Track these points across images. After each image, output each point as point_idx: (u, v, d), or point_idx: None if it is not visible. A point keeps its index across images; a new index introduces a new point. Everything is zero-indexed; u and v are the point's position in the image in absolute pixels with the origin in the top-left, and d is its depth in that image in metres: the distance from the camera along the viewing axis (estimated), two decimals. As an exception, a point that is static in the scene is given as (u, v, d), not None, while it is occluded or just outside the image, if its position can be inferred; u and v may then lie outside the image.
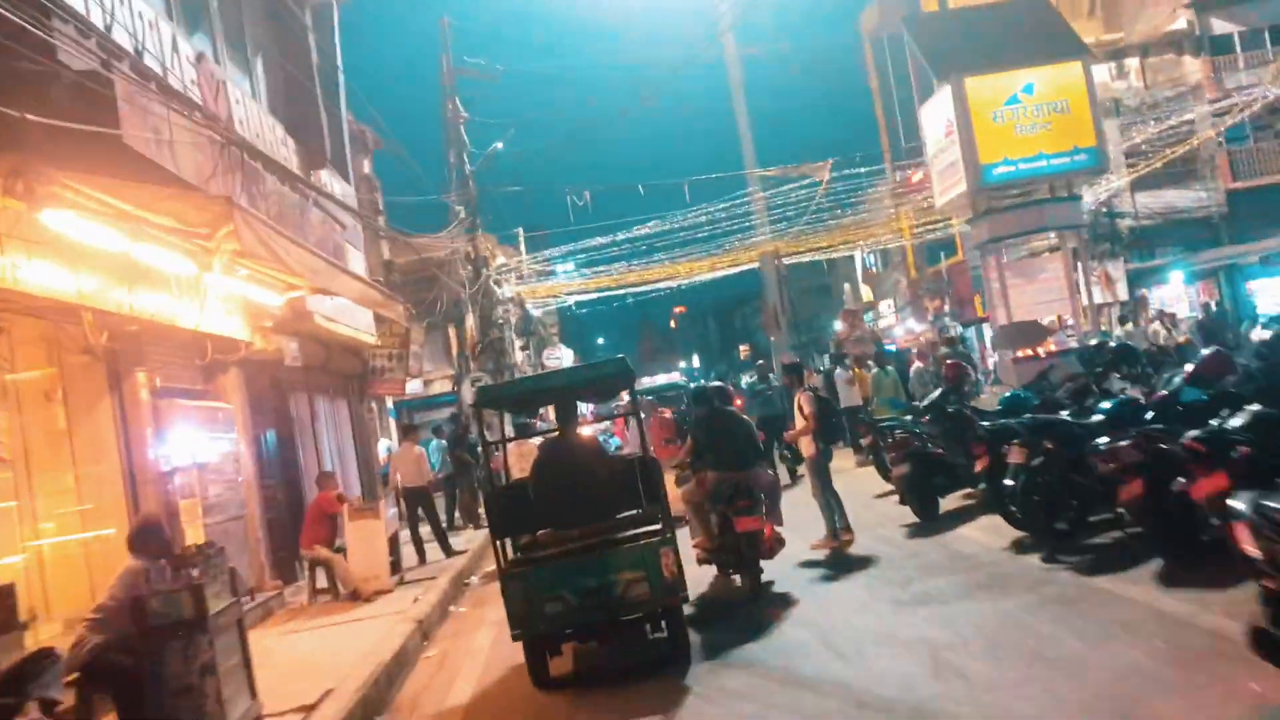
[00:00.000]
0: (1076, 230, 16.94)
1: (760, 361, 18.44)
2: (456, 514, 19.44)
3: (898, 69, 47.43)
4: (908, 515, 12.15)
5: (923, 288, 45.71)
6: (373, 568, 12.53)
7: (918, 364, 17.22)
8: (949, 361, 13.09)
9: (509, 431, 13.98)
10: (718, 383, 13.77)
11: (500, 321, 34.29)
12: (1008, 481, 9.17)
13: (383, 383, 19.76)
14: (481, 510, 20.16)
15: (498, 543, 8.09)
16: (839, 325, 31.46)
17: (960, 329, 35.08)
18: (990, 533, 10.41)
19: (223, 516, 11.34)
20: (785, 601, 9.21)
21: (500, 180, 24.73)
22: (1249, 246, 33.88)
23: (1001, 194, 16.13)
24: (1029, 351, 15.78)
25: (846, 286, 33.38)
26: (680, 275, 30.15)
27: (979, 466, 10.04)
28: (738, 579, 9.85)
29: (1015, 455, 9.09)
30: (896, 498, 14.09)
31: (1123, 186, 34.30)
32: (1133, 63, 36.19)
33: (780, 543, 10.00)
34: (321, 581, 12.76)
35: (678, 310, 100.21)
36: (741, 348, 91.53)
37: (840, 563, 10.54)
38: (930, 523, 11.77)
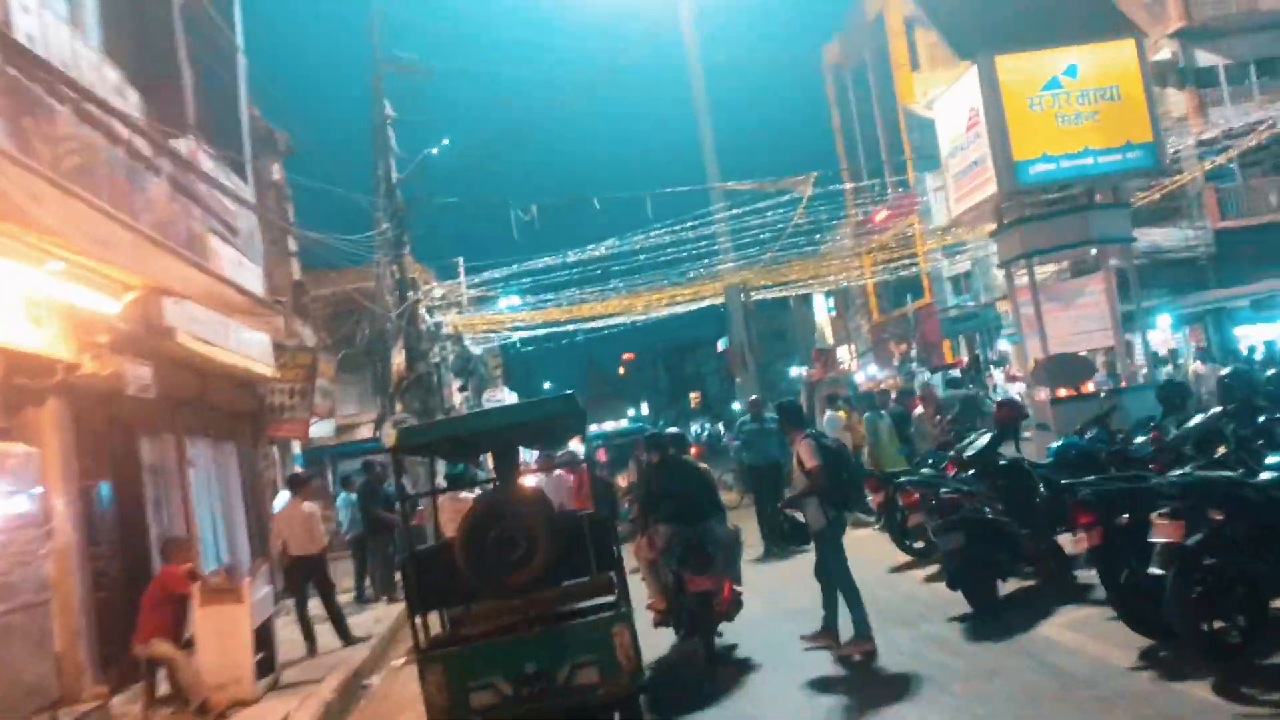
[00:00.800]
0: (1126, 245, 14.10)
1: (755, 396, 15.36)
2: (368, 584, 16.11)
3: (860, 103, 45.54)
4: (953, 602, 9.11)
5: (887, 331, 43.29)
6: (230, 669, 9.24)
7: (920, 409, 14.37)
8: (999, 401, 10.10)
9: (439, 482, 12.82)
10: (673, 429, 12.65)
11: (436, 360, 30.94)
12: (1154, 570, 6.15)
13: (283, 423, 16.43)
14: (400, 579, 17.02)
15: (416, 619, 6.95)
16: (807, 368, 28.58)
17: (928, 374, 32.50)
18: (1091, 636, 7.43)
19: (5, 606, 7.99)
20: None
21: (434, 192, 21.65)
22: (1238, 290, 31.87)
23: (1035, 198, 13.34)
24: (1071, 390, 12.94)
25: (819, 321, 30.62)
26: (635, 308, 27.15)
27: (1086, 542, 7.02)
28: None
29: (1166, 531, 6.09)
30: (922, 573, 11.18)
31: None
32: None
33: (738, 605, 9.25)
34: (164, 687, 9.44)
35: (626, 357, 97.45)
36: (692, 394, 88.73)
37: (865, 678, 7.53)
38: (990, 616, 8.74)
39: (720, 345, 75.79)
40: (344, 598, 16.29)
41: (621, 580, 7.13)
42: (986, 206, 13.61)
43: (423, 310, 20.09)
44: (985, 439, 10.02)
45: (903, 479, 11.48)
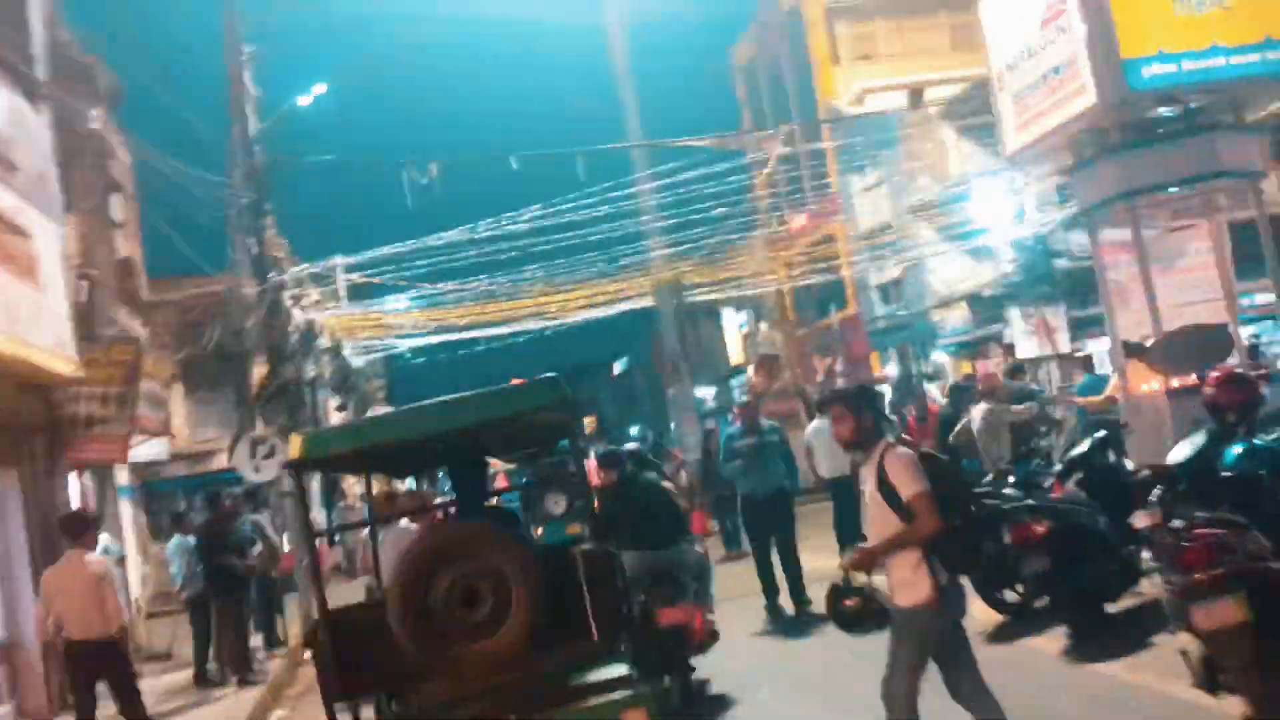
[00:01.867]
0: (1254, 180, 10.52)
1: (747, 399, 11.61)
2: (211, 663, 11.80)
3: (776, 103, 42.50)
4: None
5: (810, 344, 40.09)
6: None
7: (984, 404, 10.72)
8: (1225, 376, 6.43)
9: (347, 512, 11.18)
10: (631, 444, 11.15)
11: (313, 375, 26.45)
12: None
13: (92, 441, 11.99)
14: (262, 651, 12.69)
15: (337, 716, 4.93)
16: (751, 376, 24.95)
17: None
18: None
19: None
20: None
21: (306, 152, 17.32)
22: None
23: (1138, 118, 9.86)
24: (1192, 378, 9.43)
25: (763, 327, 27.17)
26: (550, 309, 23.11)
27: None
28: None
29: None
30: (1048, 644, 7.66)
31: (1054, 223, 29.54)
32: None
33: (714, 635, 8.36)
34: None
35: (515, 382, 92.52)
36: (586, 420, 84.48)
37: None
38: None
39: (617, 368, 71.91)
40: (178, 677, 11.97)
41: (637, 642, 5.41)
42: (1073, 128, 10.04)
43: (289, 301, 15.74)
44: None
45: (1005, 504, 7.97)
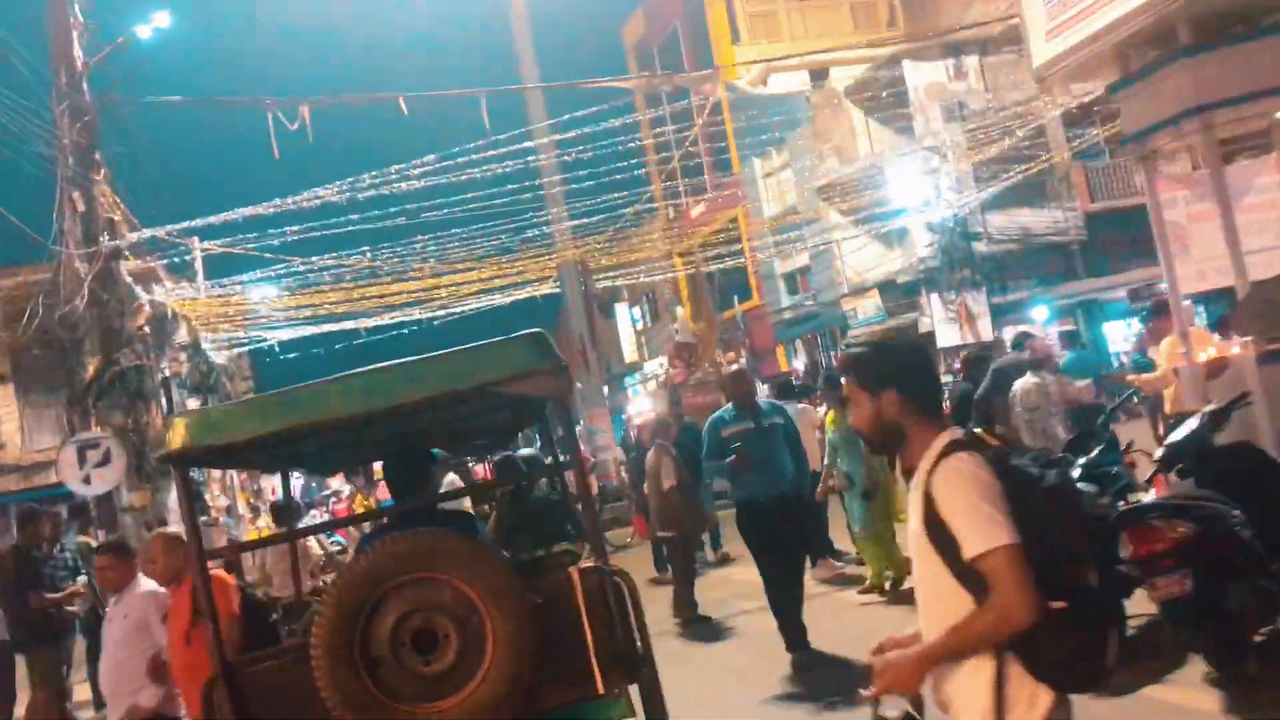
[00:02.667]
0: None
1: (737, 366, 9.45)
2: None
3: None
4: None
5: (714, 337, 38.14)
6: None
7: (1031, 377, 8.58)
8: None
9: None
10: (526, 450, 9.36)
11: (165, 371, 23.36)
12: None
13: None
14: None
15: None
16: (664, 371, 22.76)
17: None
18: None
19: None
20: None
21: (147, 89, 14.22)
22: (1112, 279, 28.69)
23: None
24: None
25: (680, 312, 25.00)
26: (440, 293, 20.46)
27: None
28: None
29: None
30: None
31: (974, 204, 28.25)
32: (971, 61, 30.54)
33: None
34: None
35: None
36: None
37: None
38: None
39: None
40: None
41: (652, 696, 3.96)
42: (1124, 30, 8.02)
43: (128, 277, 12.80)
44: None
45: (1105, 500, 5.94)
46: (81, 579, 10.07)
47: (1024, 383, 8.77)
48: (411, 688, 3.73)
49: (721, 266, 33.35)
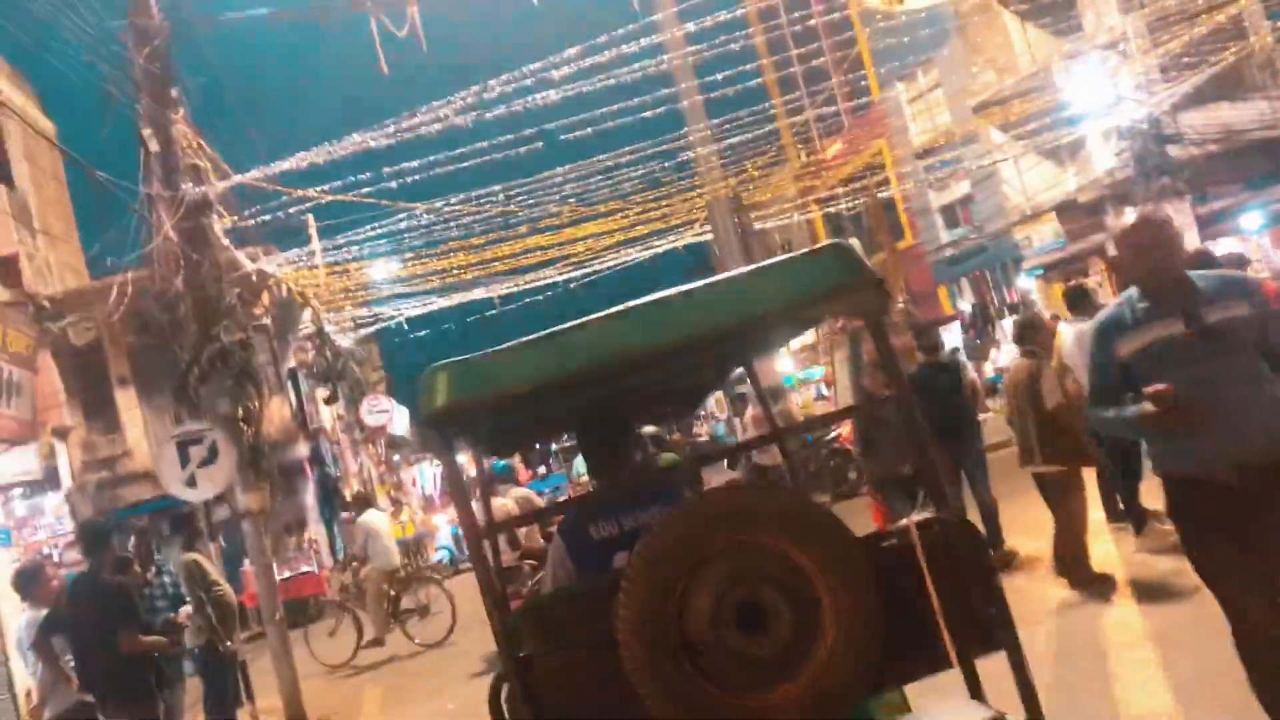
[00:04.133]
0: None
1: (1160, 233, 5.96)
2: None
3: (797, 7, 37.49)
4: None
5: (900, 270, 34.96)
6: None
7: None
8: None
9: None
10: (650, 428, 8.30)
11: (289, 356, 21.84)
12: None
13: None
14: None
15: None
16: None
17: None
18: None
19: None
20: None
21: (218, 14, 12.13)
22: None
23: None
24: None
25: (854, 244, 22.32)
26: (578, 251, 18.10)
27: None
28: None
29: None
30: None
31: (1166, 102, 24.65)
32: (1147, -58, 26.79)
33: None
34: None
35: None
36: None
37: None
38: None
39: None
40: None
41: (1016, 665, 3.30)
42: None
43: (223, 238, 10.69)
44: None
45: None
46: (186, 609, 7.97)
47: None
48: (740, 674, 3.29)
49: (863, 203, 30.30)
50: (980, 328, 31.43)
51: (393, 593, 13.25)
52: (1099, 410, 4.20)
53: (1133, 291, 4.15)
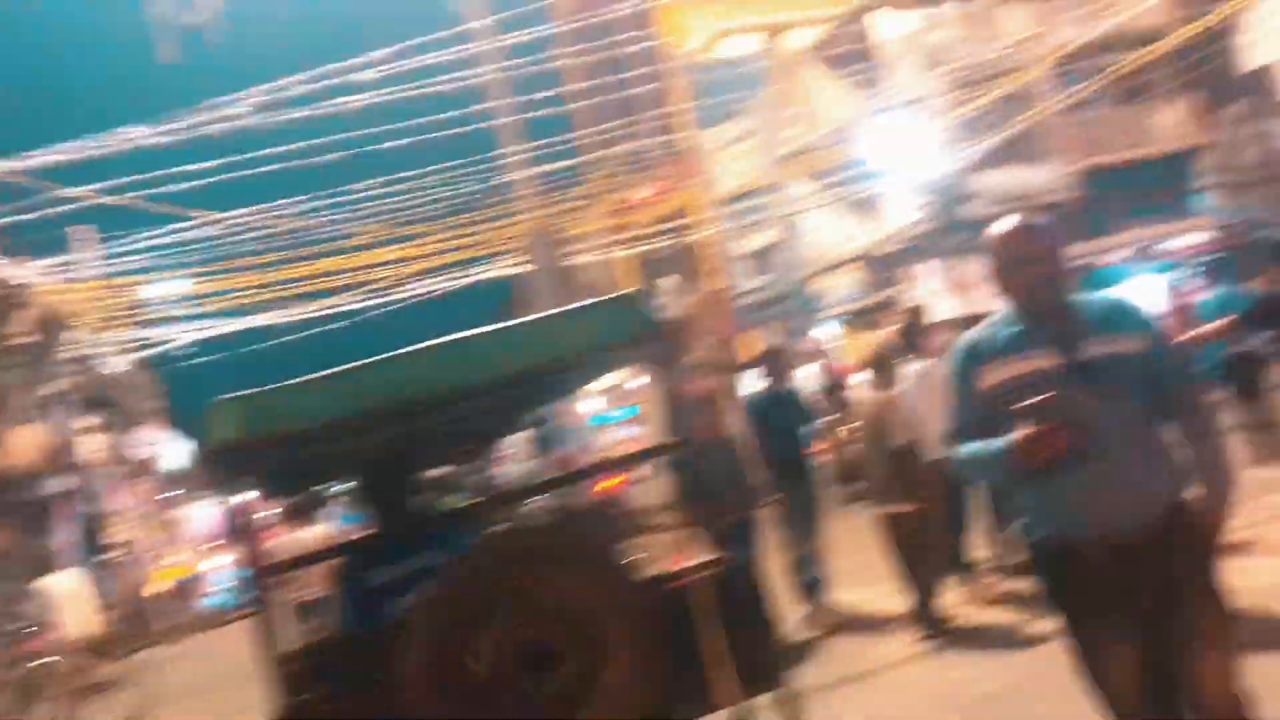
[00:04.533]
0: None
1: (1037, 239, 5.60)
2: None
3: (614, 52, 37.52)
4: None
5: (714, 311, 35.24)
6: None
7: None
8: None
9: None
10: None
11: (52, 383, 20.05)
12: None
13: None
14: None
15: None
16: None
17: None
18: None
19: None
20: None
21: None
22: (1115, 239, 26.61)
23: None
24: None
25: (665, 283, 21.71)
26: (376, 273, 17.02)
27: None
28: None
29: None
30: None
31: (964, 163, 25.70)
32: (947, 10, 28.08)
33: None
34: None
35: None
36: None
37: None
38: None
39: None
40: None
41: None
42: None
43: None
44: None
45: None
46: None
47: None
48: (527, 714, 3.39)
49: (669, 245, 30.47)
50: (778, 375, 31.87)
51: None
52: (960, 447, 3.37)
53: (1006, 311, 3.50)
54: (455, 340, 3.47)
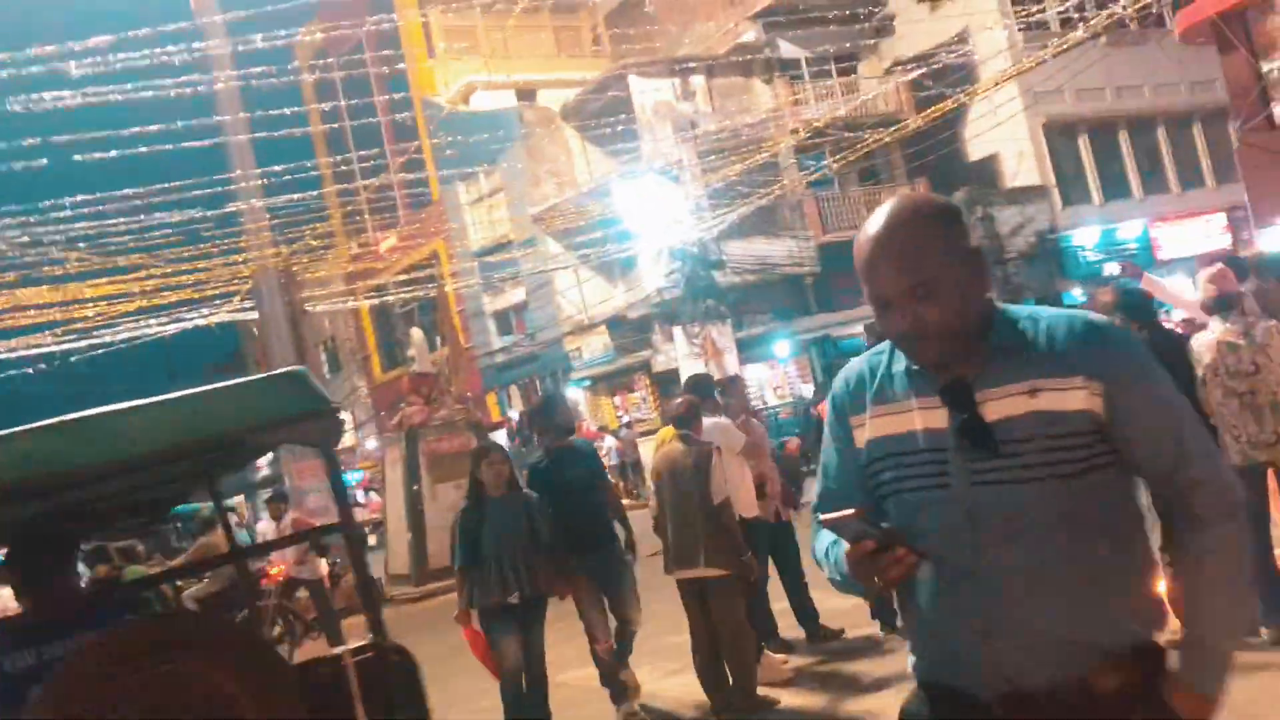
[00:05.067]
0: None
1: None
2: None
3: (357, 96, 35.92)
4: None
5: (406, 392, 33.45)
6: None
7: (1219, 325, 4.91)
8: None
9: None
10: None
11: None
12: None
13: None
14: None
15: None
16: (402, 407, 18.42)
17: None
18: None
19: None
20: None
21: None
22: (847, 314, 27.45)
23: None
24: None
25: (415, 334, 20.36)
26: (81, 310, 14.98)
27: None
28: None
29: None
30: None
31: (714, 230, 25.94)
32: (699, 81, 28.55)
33: None
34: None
35: None
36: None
37: None
38: None
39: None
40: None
41: None
42: None
43: None
44: None
45: None
46: None
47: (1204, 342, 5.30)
48: None
49: (414, 297, 29.29)
50: (527, 436, 30.95)
51: None
52: (819, 527, 2.14)
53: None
54: (105, 413, 3.36)
